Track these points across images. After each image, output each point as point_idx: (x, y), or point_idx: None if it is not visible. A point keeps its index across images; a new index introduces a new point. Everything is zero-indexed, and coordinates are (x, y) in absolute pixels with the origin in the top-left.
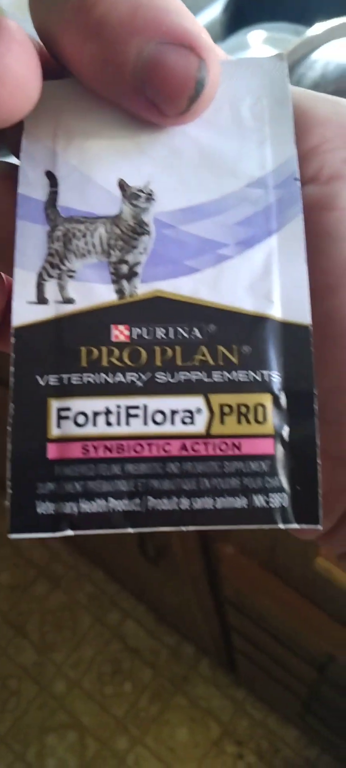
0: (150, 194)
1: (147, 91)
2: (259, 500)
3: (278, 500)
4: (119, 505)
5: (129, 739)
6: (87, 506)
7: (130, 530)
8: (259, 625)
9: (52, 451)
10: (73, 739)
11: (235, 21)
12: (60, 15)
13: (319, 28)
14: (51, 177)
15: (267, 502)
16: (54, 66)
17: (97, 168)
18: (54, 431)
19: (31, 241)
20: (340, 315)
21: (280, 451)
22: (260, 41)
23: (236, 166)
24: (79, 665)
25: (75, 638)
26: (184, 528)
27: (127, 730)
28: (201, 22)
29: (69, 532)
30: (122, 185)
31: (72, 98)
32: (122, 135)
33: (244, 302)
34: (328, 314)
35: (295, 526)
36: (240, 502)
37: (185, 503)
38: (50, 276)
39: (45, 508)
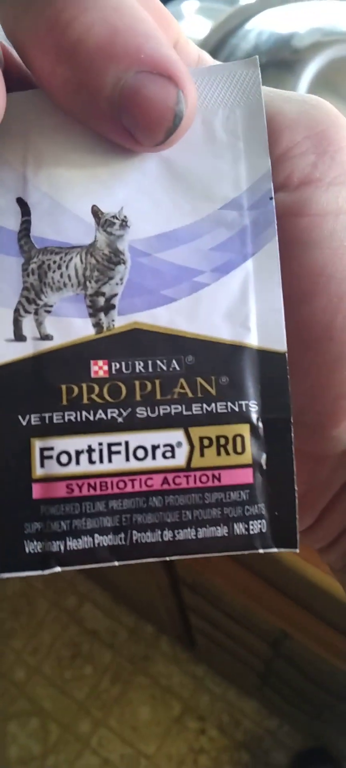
0: (124, 220)
1: (124, 120)
2: (239, 528)
3: (257, 527)
4: (104, 540)
5: (92, 722)
6: (73, 543)
7: (115, 563)
8: (213, 603)
9: (37, 491)
10: (35, 725)
11: None
12: (31, 28)
13: None
14: (22, 204)
15: (247, 530)
16: (25, 71)
17: (69, 194)
18: (38, 471)
19: (5, 275)
20: (315, 321)
21: (258, 480)
22: (193, 11)
23: (210, 188)
24: (38, 651)
25: (33, 624)
26: (167, 558)
27: (90, 712)
28: None
29: (57, 569)
30: (96, 212)
31: (41, 114)
32: (94, 158)
33: (221, 331)
34: (303, 321)
35: (274, 550)
36: (221, 531)
37: (168, 535)
38: (27, 312)
39: (33, 547)
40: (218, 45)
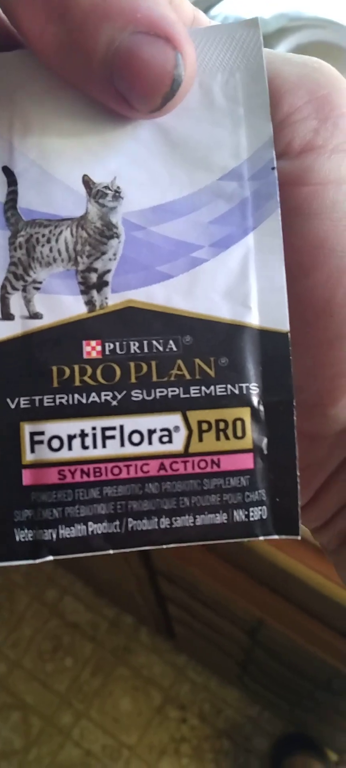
0: (117, 191)
1: (117, 84)
2: (239, 515)
3: (257, 513)
4: (99, 528)
5: (73, 714)
6: (66, 531)
7: (110, 552)
8: (190, 593)
9: (27, 477)
10: (16, 718)
11: None
12: None
13: None
14: (9, 173)
15: (247, 516)
16: (11, 30)
17: (59, 163)
18: (28, 456)
19: None
20: (316, 295)
21: (259, 465)
22: None
23: (209, 157)
24: (18, 645)
25: (13, 618)
26: (164, 546)
27: (71, 704)
28: None
29: (49, 558)
30: (87, 182)
31: (29, 76)
32: (85, 124)
33: (220, 310)
34: (302, 295)
35: (274, 537)
36: (220, 518)
37: (164, 522)
38: (14, 288)
39: (23, 535)
40: None
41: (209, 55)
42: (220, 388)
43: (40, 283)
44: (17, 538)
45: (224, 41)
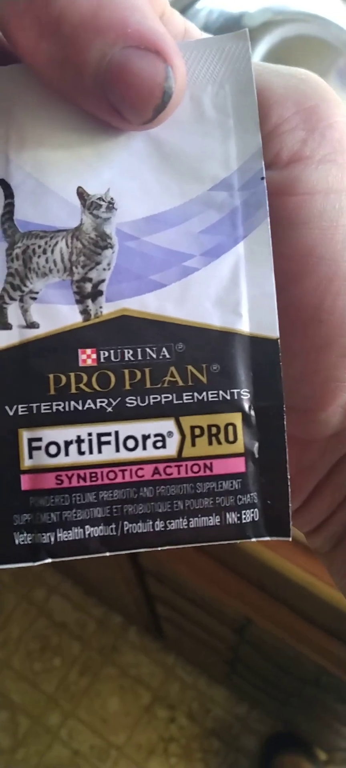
0: (111, 202)
1: (110, 97)
2: (231, 517)
3: (249, 516)
4: (95, 531)
5: (61, 714)
6: (64, 535)
7: (107, 554)
8: (178, 592)
9: (25, 483)
10: (4, 718)
11: None
12: (12, 1)
13: None
14: (5, 186)
15: (239, 519)
16: (6, 45)
17: (54, 175)
18: (26, 462)
19: None
20: (305, 302)
21: (251, 468)
22: None
23: (200, 168)
24: (6, 644)
25: (1, 618)
26: (159, 548)
27: (59, 704)
28: None
29: (48, 560)
30: (81, 194)
31: (24, 90)
32: (79, 136)
33: (212, 317)
34: (293, 302)
35: (266, 538)
36: (213, 520)
37: (159, 525)
38: (12, 299)
39: (22, 538)
40: None
41: (199, 68)
42: (212, 393)
43: (37, 293)
44: (16, 542)
45: (213, 53)
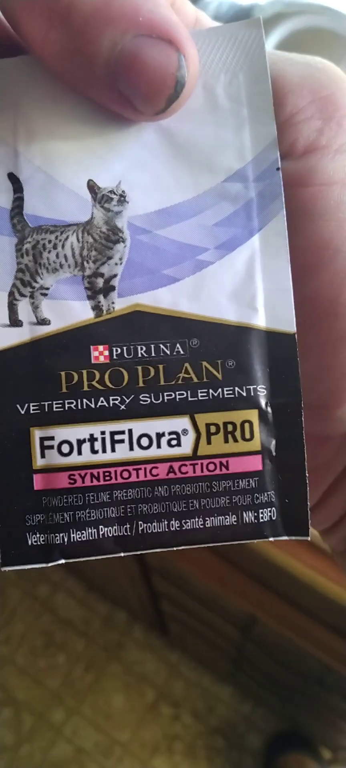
0: (123, 195)
1: (121, 87)
2: (248, 516)
3: (267, 514)
4: (109, 531)
5: (65, 710)
6: (77, 535)
7: (121, 554)
8: (184, 589)
9: (38, 482)
10: (8, 714)
11: None
12: None
13: None
14: (14, 180)
15: (256, 518)
16: (13, 36)
17: (64, 168)
18: (39, 461)
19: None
20: (321, 296)
21: (268, 466)
22: None
23: (213, 159)
24: (10, 641)
25: (5, 614)
26: (174, 548)
27: (63, 701)
28: None
29: (61, 561)
30: (92, 187)
31: (32, 82)
32: (89, 128)
33: (227, 312)
34: (309, 296)
35: (284, 537)
36: (230, 520)
37: (174, 524)
38: (22, 295)
39: (35, 539)
40: None
41: (212, 57)
42: (227, 390)
43: (48, 289)
44: (29, 542)
45: (226, 42)
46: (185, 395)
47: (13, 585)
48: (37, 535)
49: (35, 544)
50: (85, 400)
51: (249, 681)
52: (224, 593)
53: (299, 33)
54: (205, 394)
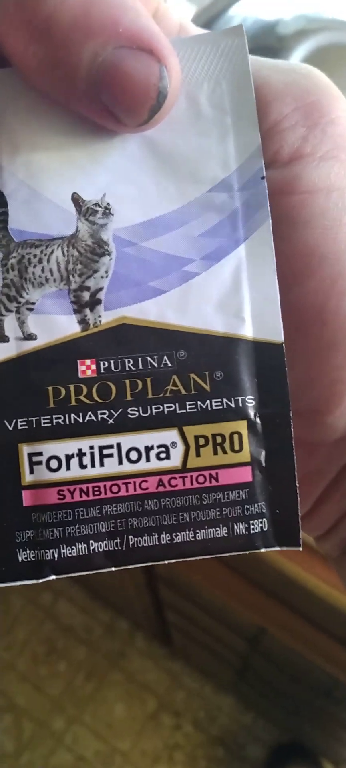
0: (107, 208)
1: (103, 98)
2: (239, 528)
3: (258, 526)
4: (100, 546)
5: (66, 719)
6: (67, 551)
7: (112, 569)
8: (191, 600)
9: (27, 499)
10: (8, 721)
11: None
12: (0, 4)
13: None
14: None
15: (247, 529)
16: None
17: (48, 181)
18: (28, 478)
19: None
20: (308, 304)
21: (258, 477)
22: None
23: (198, 169)
24: (12, 647)
25: (7, 620)
26: (166, 561)
27: (64, 709)
28: None
29: (52, 577)
30: (77, 200)
31: (15, 95)
32: (73, 141)
33: (214, 323)
34: (295, 303)
35: (276, 548)
36: (221, 532)
37: (165, 538)
38: (8, 310)
39: (26, 555)
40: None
41: (195, 65)
42: (216, 402)
43: (34, 303)
44: (20, 559)
45: (209, 50)
46: (173, 408)
47: (15, 593)
48: (28, 552)
49: (26, 560)
50: (73, 415)
51: (252, 691)
52: (232, 604)
53: (324, 49)
54: (193, 406)
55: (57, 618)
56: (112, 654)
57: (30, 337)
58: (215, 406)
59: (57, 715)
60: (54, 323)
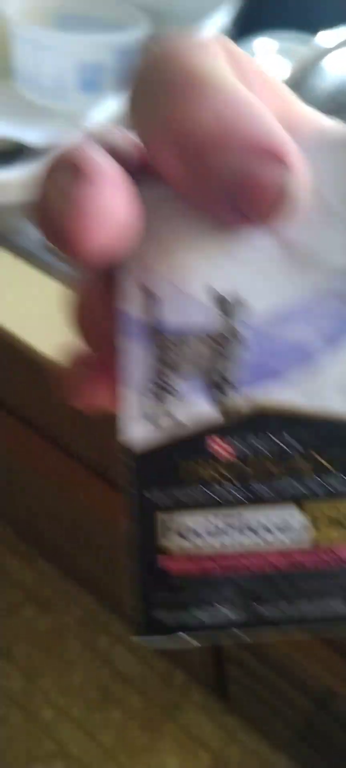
0: (239, 299)
1: (239, 205)
2: None
3: None
4: (229, 614)
5: None
6: (198, 615)
7: (242, 639)
8: (256, 655)
9: (162, 563)
10: None
11: (240, 28)
12: (149, 127)
13: (326, 35)
14: (146, 290)
15: None
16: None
17: (187, 276)
18: (162, 543)
19: (134, 359)
20: None
21: None
22: (265, 49)
23: (321, 257)
24: (67, 692)
25: (63, 664)
26: (289, 632)
27: (116, 758)
28: (208, 30)
29: (186, 638)
30: (212, 293)
31: (158, 203)
32: (206, 238)
33: (337, 405)
34: None
35: None
36: (344, 608)
37: (289, 610)
38: (154, 395)
39: (160, 615)
40: (296, 85)
41: (321, 166)
42: (338, 481)
43: (175, 389)
44: (156, 617)
45: (334, 152)
46: (296, 485)
47: (73, 635)
48: (161, 611)
49: (161, 619)
50: (205, 489)
51: (314, 754)
52: (304, 663)
53: None
54: (316, 484)
55: (113, 664)
56: (168, 705)
57: (172, 418)
58: (338, 486)
59: (109, 764)
60: (193, 407)
